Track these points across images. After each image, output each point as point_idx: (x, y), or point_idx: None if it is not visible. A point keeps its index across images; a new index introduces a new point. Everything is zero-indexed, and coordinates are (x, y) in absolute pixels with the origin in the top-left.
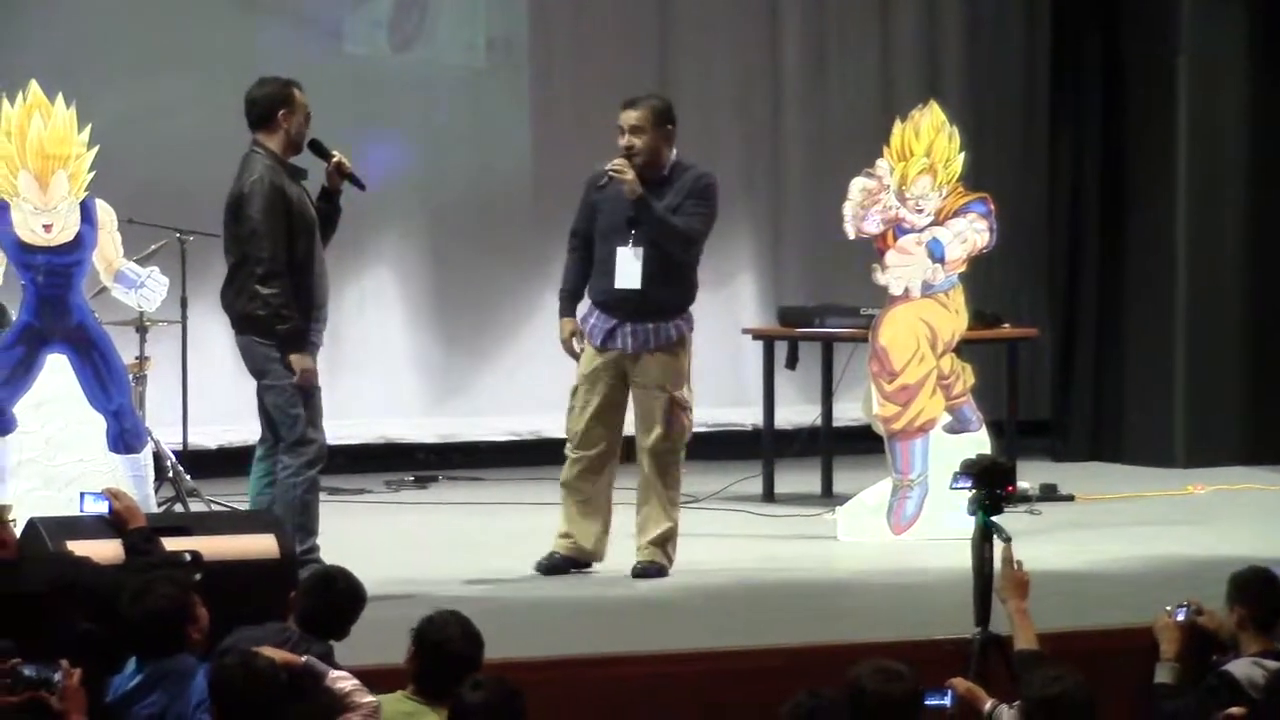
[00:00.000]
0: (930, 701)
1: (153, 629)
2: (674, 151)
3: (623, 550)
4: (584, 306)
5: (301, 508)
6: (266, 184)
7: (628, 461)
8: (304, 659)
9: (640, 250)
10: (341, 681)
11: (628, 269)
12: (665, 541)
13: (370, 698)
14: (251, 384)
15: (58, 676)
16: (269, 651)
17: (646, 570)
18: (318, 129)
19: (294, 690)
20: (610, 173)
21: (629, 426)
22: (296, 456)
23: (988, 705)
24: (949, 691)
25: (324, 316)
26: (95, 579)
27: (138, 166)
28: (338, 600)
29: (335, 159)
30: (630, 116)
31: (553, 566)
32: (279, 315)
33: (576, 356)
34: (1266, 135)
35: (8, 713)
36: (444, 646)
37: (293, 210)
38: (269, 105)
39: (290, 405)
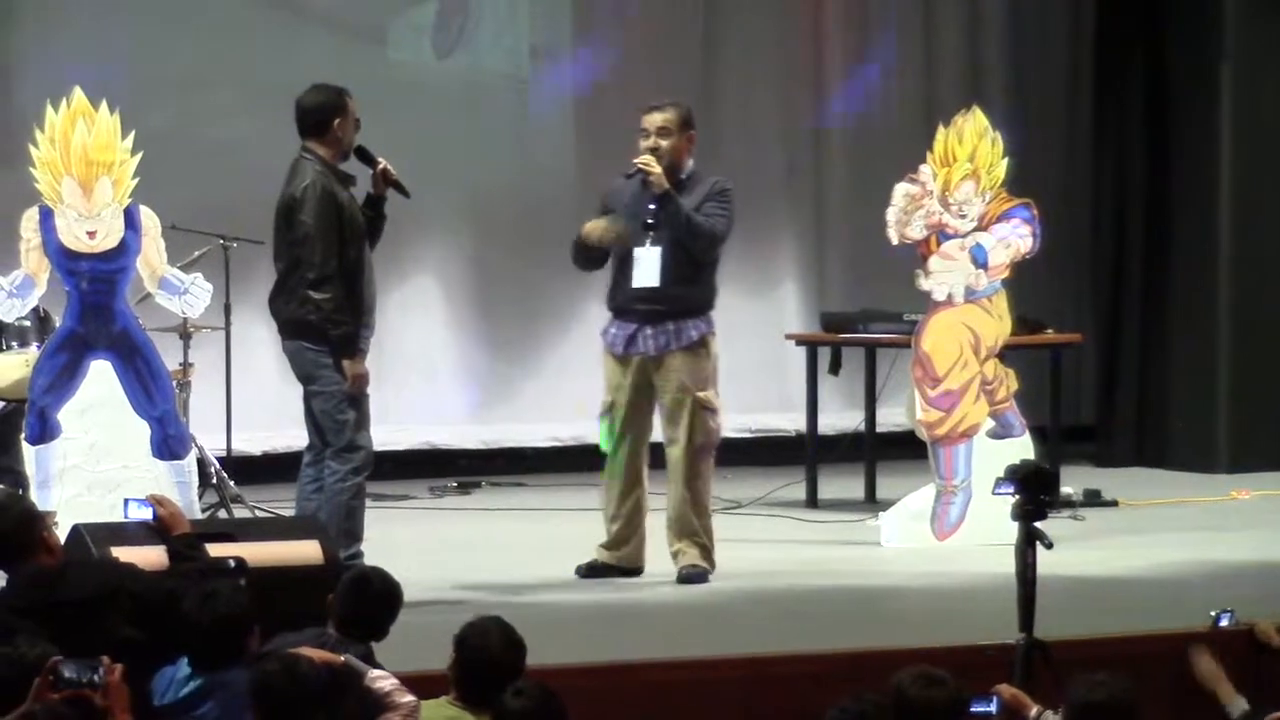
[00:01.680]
0: (976, 708)
1: (218, 634)
2: (691, 160)
3: (661, 555)
4: (603, 319)
5: (348, 513)
6: (319, 189)
7: (656, 468)
8: (343, 658)
9: (658, 249)
10: (381, 681)
11: (646, 268)
12: (704, 545)
13: (409, 697)
14: (295, 390)
15: (99, 674)
16: (308, 652)
17: (691, 576)
18: (361, 135)
19: (335, 690)
20: (638, 166)
21: (656, 433)
22: (344, 462)
23: (1033, 711)
24: (995, 698)
25: (372, 323)
26: (140, 585)
27: (182, 173)
28: (374, 601)
29: (381, 166)
30: (656, 119)
31: (593, 570)
32: (331, 320)
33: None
34: None
35: (52, 712)
36: (485, 652)
37: (344, 216)
38: (324, 113)
39: (338, 411)
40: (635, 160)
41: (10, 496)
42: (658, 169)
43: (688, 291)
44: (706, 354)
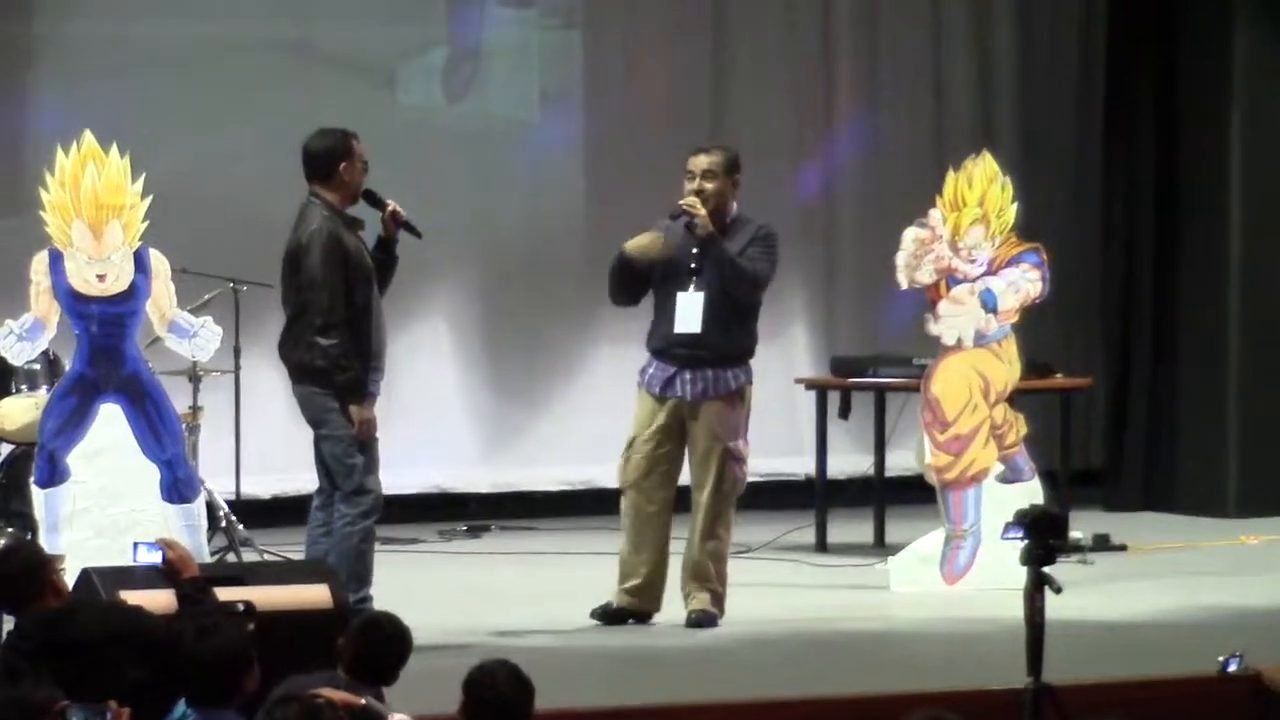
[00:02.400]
0: None
1: (215, 670)
2: (735, 204)
3: (675, 599)
4: (641, 357)
5: (357, 557)
6: (325, 234)
7: (680, 511)
8: (364, 700)
9: (700, 295)
10: None
11: (688, 313)
12: (717, 591)
13: None
14: (304, 434)
15: (108, 718)
16: (329, 693)
17: (701, 620)
18: (371, 178)
19: None
20: (683, 208)
21: (683, 477)
22: (353, 506)
23: None
24: None
25: (382, 366)
26: (148, 627)
27: (192, 217)
28: (385, 645)
29: (390, 208)
30: (702, 161)
31: (609, 615)
32: (338, 366)
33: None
34: None
35: None
36: (494, 694)
37: (350, 260)
38: (330, 158)
39: (347, 455)
40: (680, 203)
41: (17, 540)
42: (703, 211)
43: (729, 338)
44: (742, 403)
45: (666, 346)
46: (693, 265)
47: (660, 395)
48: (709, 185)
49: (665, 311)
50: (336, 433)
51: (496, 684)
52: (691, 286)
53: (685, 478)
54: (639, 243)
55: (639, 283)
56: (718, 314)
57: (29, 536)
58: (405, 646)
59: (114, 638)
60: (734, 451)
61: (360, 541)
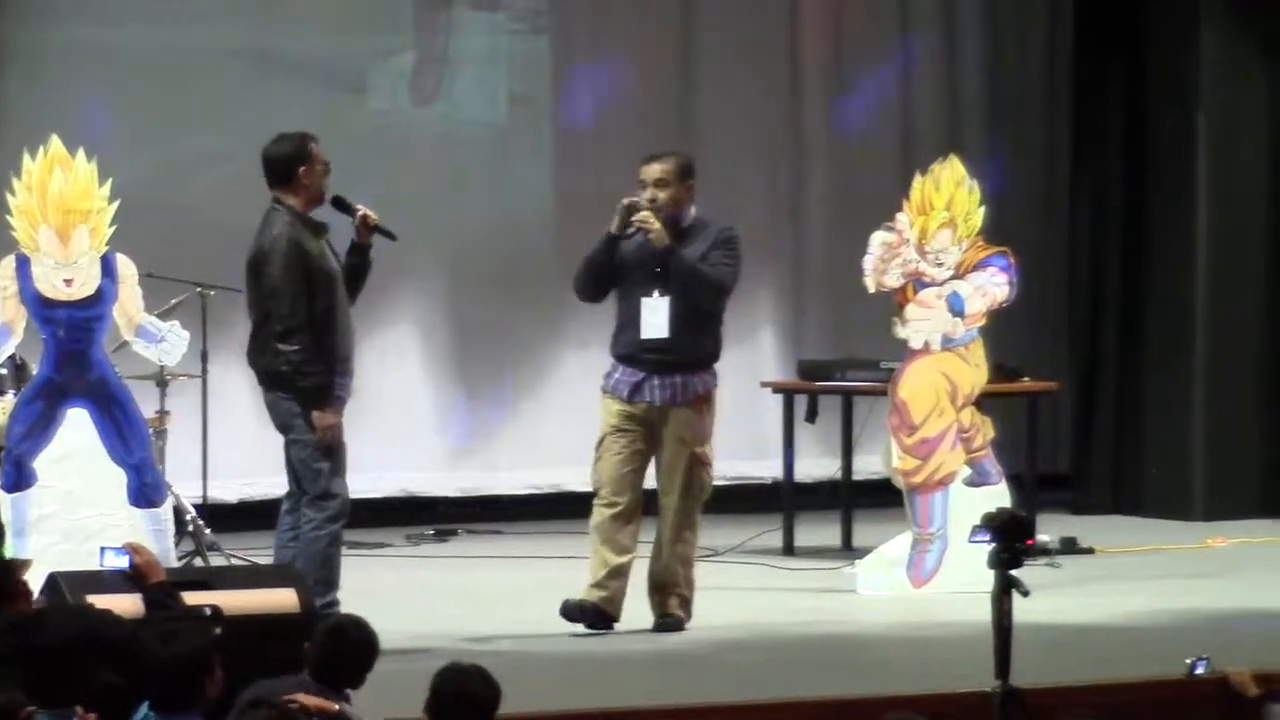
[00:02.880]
0: None
1: (177, 674)
2: (694, 208)
3: (640, 603)
4: (606, 363)
5: (324, 561)
6: (285, 241)
7: (646, 515)
8: (338, 706)
9: (666, 300)
10: None
11: (654, 318)
12: (684, 596)
13: None
14: (272, 438)
15: None
16: (303, 698)
17: (666, 624)
18: (340, 183)
19: None
20: (636, 224)
21: (649, 479)
22: (320, 510)
23: None
24: None
25: (350, 370)
26: (117, 632)
27: (159, 221)
28: (351, 650)
29: (360, 213)
30: (654, 170)
31: (579, 612)
32: (300, 371)
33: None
34: None
35: None
36: (461, 696)
37: (313, 266)
38: (287, 163)
39: (314, 460)
40: (634, 219)
41: None
42: (656, 225)
43: (696, 342)
44: (709, 408)
45: (634, 352)
46: (656, 270)
47: (629, 399)
48: (661, 194)
49: (630, 317)
50: (303, 437)
51: (464, 686)
52: (656, 292)
53: (650, 481)
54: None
55: (608, 279)
56: (684, 319)
57: None
58: (372, 651)
59: (81, 642)
60: (702, 456)
61: (327, 546)
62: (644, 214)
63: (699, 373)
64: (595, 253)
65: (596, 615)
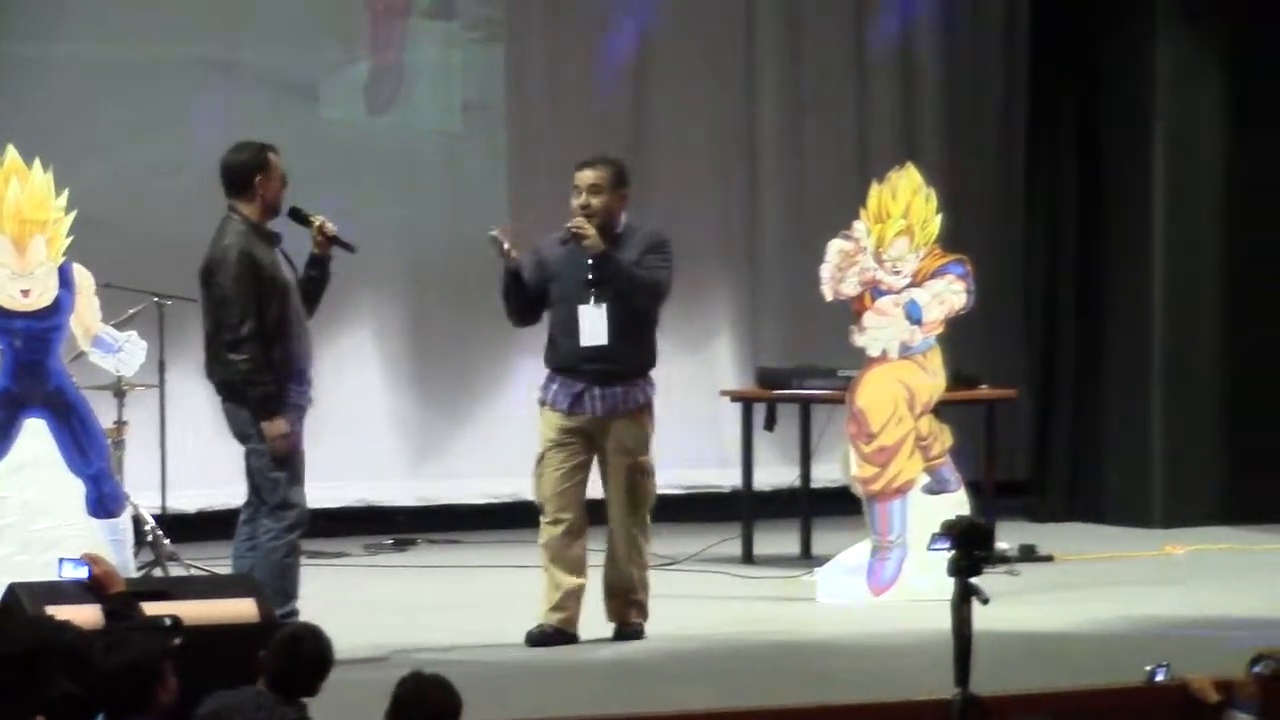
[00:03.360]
0: None
1: (123, 682)
2: (624, 215)
3: (596, 613)
4: (541, 375)
5: (281, 571)
6: (236, 251)
7: (596, 524)
8: None
9: (603, 307)
10: None
11: (593, 326)
12: (640, 602)
13: None
14: (230, 448)
15: None
16: None
17: (626, 634)
18: (296, 193)
19: None
20: (572, 230)
21: (593, 489)
22: (277, 520)
23: None
24: None
25: (308, 379)
26: (76, 642)
27: (116, 231)
28: (305, 659)
29: (317, 224)
30: (587, 176)
31: (545, 638)
32: (249, 381)
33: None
34: (1242, 199)
35: None
36: (423, 706)
37: (263, 275)
38: (244, 172)
39: (271, 469)
40: (568, 225)
41: None
42: (591, 231)
43: (635, 350)
44: (649, 417)
45: (573, 363)
46: (590, 278)
47: (569, 411)
48: (595, 200)
49: (566, 327)
50: (259, 447)
51: (426, 695)
52: (592, 300)
53: (594, 490)
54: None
55: (534, 300)
56: (621, 326)
57: None
58: (327, 660)
59: (40, 650)
60: (644, 465)
61: (285, 556)
62: (578, 220)
63: (638, 382)
64: (503, 288)
65: (559, 638)
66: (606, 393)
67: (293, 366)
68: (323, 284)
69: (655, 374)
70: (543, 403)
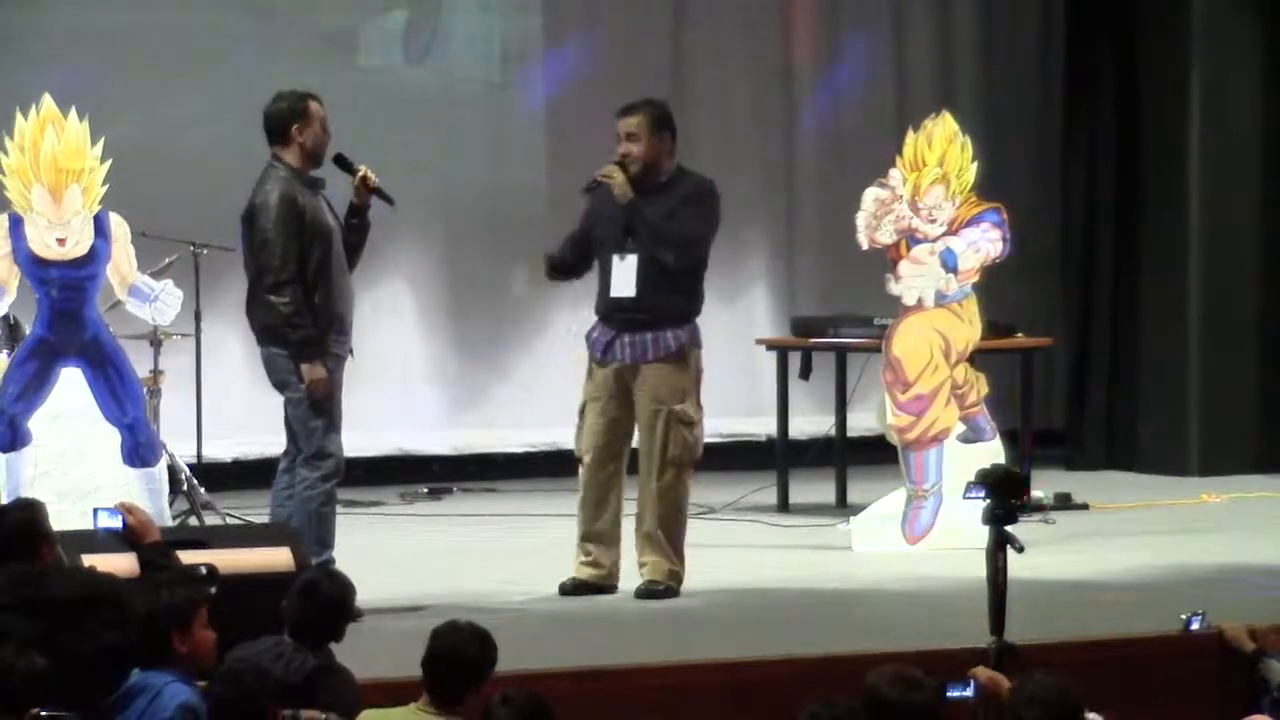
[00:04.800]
0: (952, 693)
1: (146, 630)
2: (674, 160)
3: (632, 563)
4: (576, 324)
5: (318, 520)
6: (277, 195)
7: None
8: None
9: (634, 258)
10: None
11: (622, 277)
12: (671, 564)
13: None
14: (266, 397)
15: None
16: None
17: (649, 592)
18: (333, 142)
19: None
20: (599, 179)
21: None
22: (313, 469)
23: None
24: (971, 681)
25: (347, 328)
26: (118, 594)
27: (152, 180)
28: (325, 606)
29: (361, 173)
30: (627, 123)
31: (577, 589)
32: (290, 324)
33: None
34: (1279, 148)
35: None
36: (457, 653)
37: (305, 220)
38: (282, 120)
39: (309, 418)
40: (597, 173)
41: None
42: (619, 177)
43: (668, 300)
44: (686, 365)
45: (607, 310)
46: (624, 226)
47: (601, 360)
48: (634, 148)
49: (603, 275)
50: (297, 395)
51: (461, 644)
52: (625, 249)
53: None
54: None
55: (578, 266)
56: (653, 276)
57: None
58: (346, 606)
59: (90, 599)
60: (680, 414)
61: (321, 505)
62: (608, 168)
63: (672, 328)
64: (546, 272)
65: (591, 589)
66: (635, 339)
67: (333, 314)
68: (363, 233)
69: None
70: (589, 353)
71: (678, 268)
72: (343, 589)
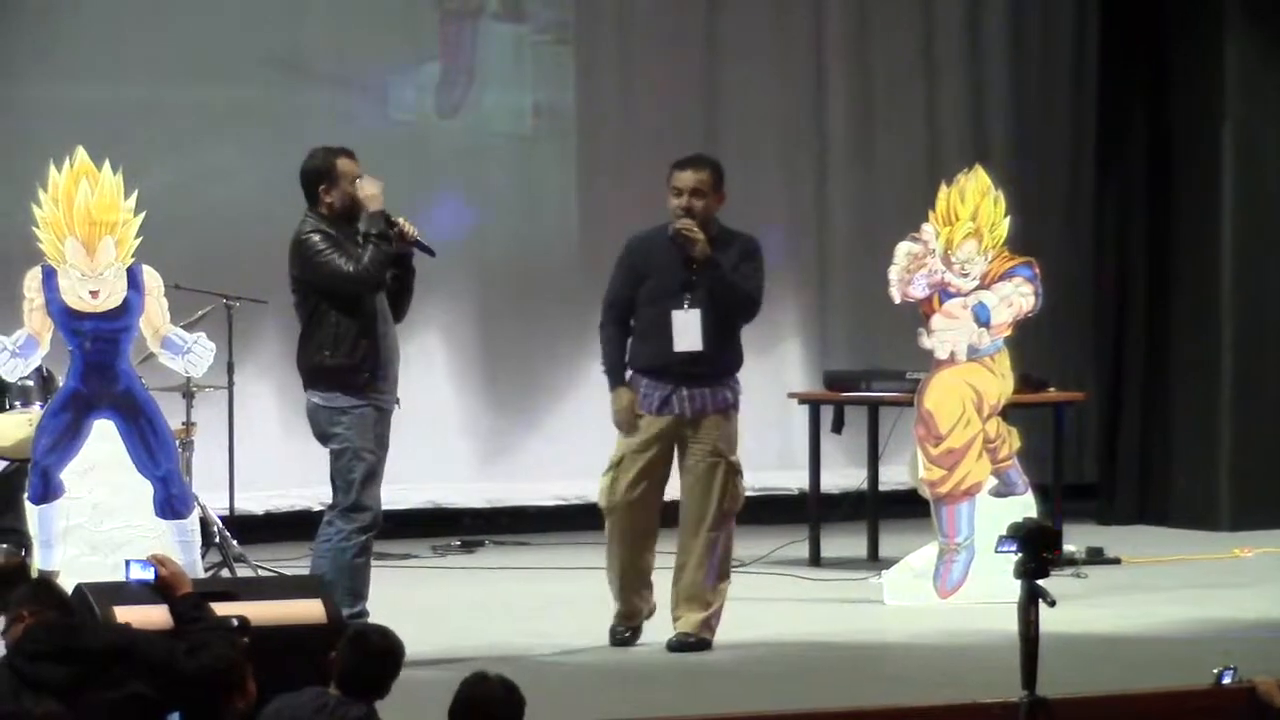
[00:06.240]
0: None
1: (205, 686)
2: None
3: (666, 616)
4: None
5: (352, 572)
6: (313, 230)
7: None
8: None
9: (697, 312)
10: None
11: (688, 331)
12: (711, 616)
13: None
14: (299, 449)
15: None
16: None
17: (684, 644)
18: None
19: None
20: (683, 233)
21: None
22: (349, 521)
23: None
24: None
25: (392, 379)
26: (148, 646)
27: (185, 232)
28: (375, 658)
29: (399, 228)
30: (689, 179)
31: (624, 640)
32: (324, 354)
33: (635, 427)
34: None
35: None
36: (485, 705)
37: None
38: (309, 181)
39: (348, 470)
40: (678, 226)
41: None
42: (700, 236)
43: (723, 354)
44: (736, 416)
45: (663, 365)
46: (691, 280)
47: (657, 413)
48: (698, 203)
49: (657, 330)
50: (339, 447)
51: (489, 695)
52: (686, 304)
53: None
54: None
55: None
56: (713, 330)
57: (23, 553)
58: (396, 659)
59: (119, 651)
60: (736, 466)
61: (355, 556)
62: (686, 222)
63: (726, 381)
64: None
65: (634, 638)
66: (695, 393)
67: (377, 365)
68: (407, 283)
69: None
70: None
71: (747, 322)
72: (394, 643)
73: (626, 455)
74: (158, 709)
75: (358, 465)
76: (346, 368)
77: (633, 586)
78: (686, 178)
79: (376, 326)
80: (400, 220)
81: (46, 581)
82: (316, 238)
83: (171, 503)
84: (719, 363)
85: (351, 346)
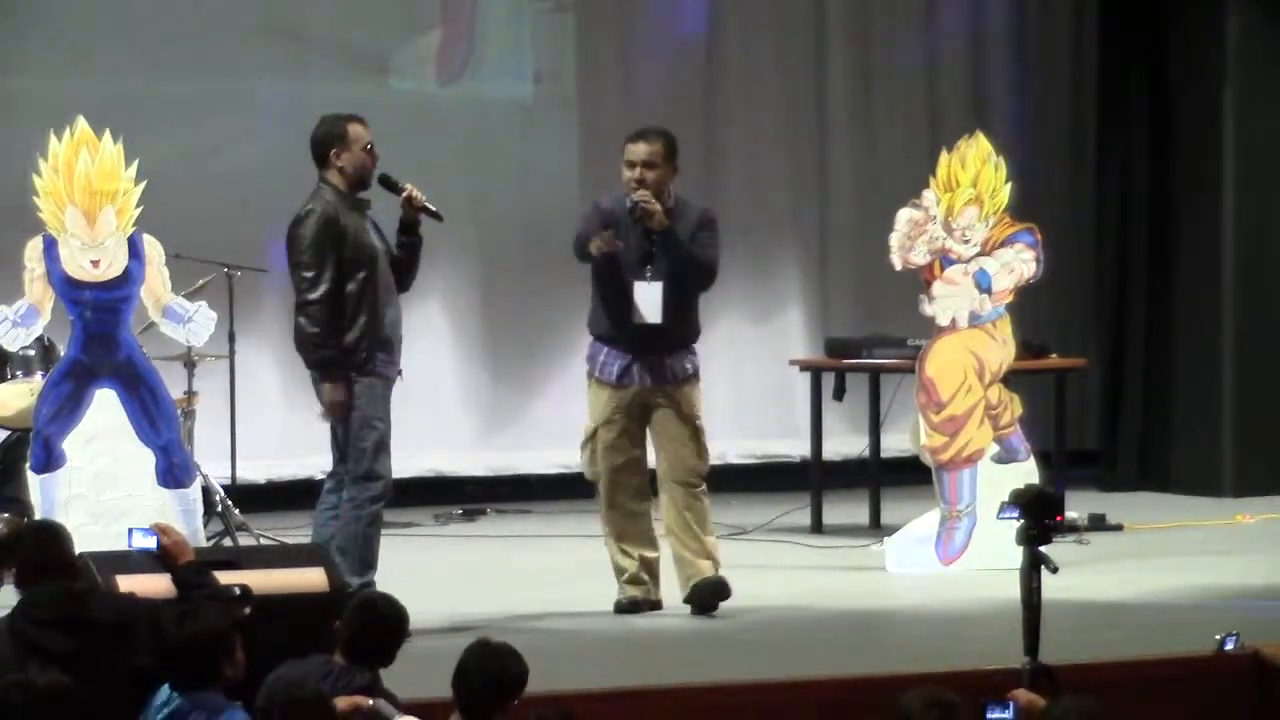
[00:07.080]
0: (992, 714)
1: (193, 654)
2: (673, 189)
3: (668, 582)
4: (587, 344)
5: (364, 541)
6: (318, 214)
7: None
8: (371, 703)
9: (659, 284)
10: None
11: (648, 302)
12: (714, 559)
13: None
14: (299, 417)
15: None
16: (341, 703)
17: (719, 587)
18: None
19: None
20: (639, 205)
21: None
22: (363, 490)
23: None
24: (1011, 704)
25: (395, 349)
26: (153, 618)
27: (186, 202)
28: (381, 627)
29: (406, 192)
30: (641, 150)
31: (633, 607)
32: (312, 342)
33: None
34: None
35: None
36: (488, 673)
37: (348, 241)
38: (321, 145)
39: (359, 439)
40: (633, 196)
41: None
42: (657, 207)
43: (683, 325)
44: (698, 384)
45: (622, 335)
46: (651, 253)
47: (617, 383)
48: (650, 174)
49: (618, 300)
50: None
51: (492, 663)
52: (649, 275)
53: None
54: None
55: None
56: (674, 301)
57: (24, 522)
58: (401, 628)
59: (128, 623)
60: (703, 429)
61: (367, 525)
62: (643, 193)
63: (685, 351)
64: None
65: (648, 607)
66: (654, 362)
67: (379, 336)
68: (415, 251)
69: (724, 344)
70: (591, 375)
71: (704, 292)
72: (399, 611)
73: (599, 429)
74: (157, 681)
75: (369, 433)
76: (345, 352)
77: (635, 544)
78: (639, 149)
79: (379, 298)
80: (408, 185)
81: (55, 530)
82: (306, 236)
83: (173, 472)
84: (680, 334)
85: (346, 329)
